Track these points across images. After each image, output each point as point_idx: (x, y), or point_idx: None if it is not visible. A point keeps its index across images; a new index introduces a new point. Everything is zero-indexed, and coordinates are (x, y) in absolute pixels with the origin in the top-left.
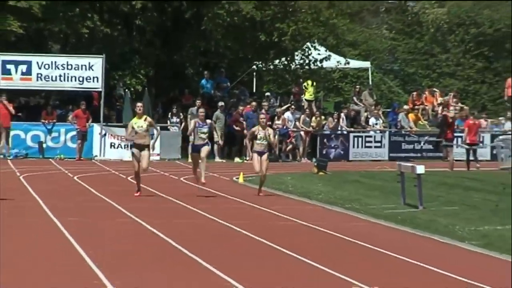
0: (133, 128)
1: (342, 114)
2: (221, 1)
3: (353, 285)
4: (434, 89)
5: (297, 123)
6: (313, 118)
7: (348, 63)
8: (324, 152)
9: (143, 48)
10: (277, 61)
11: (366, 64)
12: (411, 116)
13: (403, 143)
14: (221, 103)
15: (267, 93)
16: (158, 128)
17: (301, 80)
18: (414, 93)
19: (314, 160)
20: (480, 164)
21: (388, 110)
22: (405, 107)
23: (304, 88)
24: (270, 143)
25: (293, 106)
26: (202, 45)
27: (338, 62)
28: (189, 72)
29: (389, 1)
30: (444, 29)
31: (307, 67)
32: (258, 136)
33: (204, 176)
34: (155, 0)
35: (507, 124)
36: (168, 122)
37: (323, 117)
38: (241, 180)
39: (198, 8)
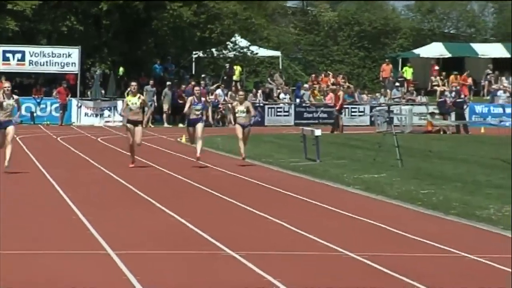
0: (127, 105)
1: (259, 91)
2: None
3: (266, 219)
4: (328, 72)
5: (226, 97)
6: (238, 94)
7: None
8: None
9: (109, 41)
10: (213, 50)
11: (277, 53)
12: (311, 92)
13: (305, 113)
14: (168, 83)
15: (203, 75)
16: (150, 105)
17: (230, 65)
18: (313, 75)
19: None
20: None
21: (294, 88)
22: (306, 85)
23: (234, 70)
24: (250, 113)
25: (222, 85)
26: (154, 39)
27: (255, 52)
28: (144, 59)
29: (294, 5)
30: (335, 27)
31: (234, 54)
32: (237, 110)
33: (199, 152)
34: (117, 1)
35: (382, 98)
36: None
37: (244, 94)
38: (183, 140)
39: (150, 12)
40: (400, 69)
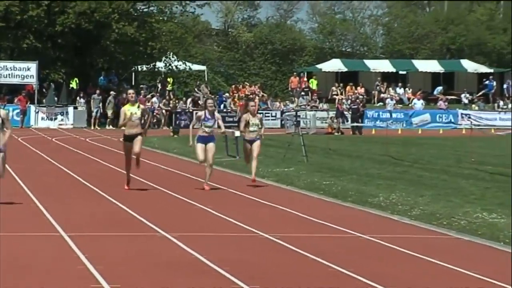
0: (125, 114)
1: (189, 99)
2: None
3: (195, 206)
4: (246, 83)
5: (160, 104)
6: (171, 101)
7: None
8: (177, 122)
9: (62, 56)
10: (150, 65)
11: (203, 67)
12: (232, 99)
13: (226, 117)
14: (112, 92)
15: (141, 85)
16: (150, 113)
17: (164, 77)
18: (233, 86)
19: (171, 127)
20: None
21: (218, 96)
22: (227, 94)
23: (167, 81)
24: (261, 128)
25: (157, 93)
26: (101, 54)
27: (186, 66)
28: (92, 72)
29: (217, 27)
30: (252, 46)
31: (168, 68)
32: (251, 123)
33: (209, 179)
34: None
35: (291, 105)
36: (77, 103)
37: (177, 100)
38: None
39: (99, 31)
40: (306, 81)
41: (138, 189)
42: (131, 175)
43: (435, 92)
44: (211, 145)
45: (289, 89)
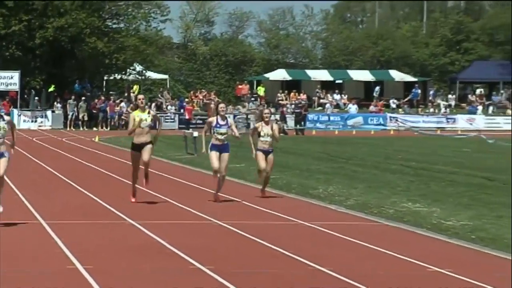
0: (134, 120)
1: (153, 104)
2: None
3: (158, 197)
4: (202, 90)
5: (128, 108)
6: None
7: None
8: None
9: (41, 66)
10: (118, 74)
11: (166, 76)
12: (190, 104)
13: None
14: (84, 98)
15: (111, 92)
16: (161, 119)
17: (131, 84)
18: (192, 92)
19: None
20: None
21: (178, 101)
22: (186, 100)
23: (132, 89)
24: (275, 138)
25: (125, 99)
26: (75, 65)
27: (149, 75)
28: (67, 80)
29: (178, 41)
30: (208, 57)
31: (135, 76)
32: (262, 133)
33: (219, 190)
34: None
35: (243, 109)
36: (55, 107)
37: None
38: (97, 140)
39: (73, 44)
40: (255, 88)
41: (108, 182)
42: (137, 186)
43: (374, 93)
44: (225, 156)
45: (236, 95)
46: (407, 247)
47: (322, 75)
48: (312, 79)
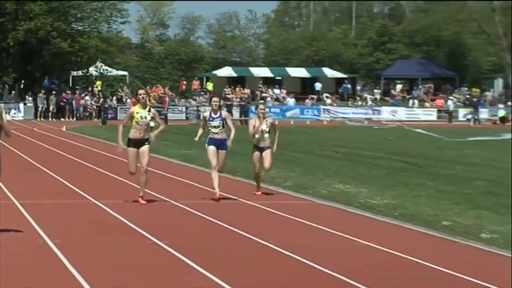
0: (133, 118)
1: (114, 97)
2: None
3: (118, 179)
4: (158, 85)
5: (92, 101)
6: (101, 100)
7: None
8: (105, 115)
9: (13, 64)
10: (83, 71)
11: (125, 73)
12: (148, 98)
13: None
14: (54, 92)
15: (77, 87)
16: (163, 123)
17: (94, 80)
18: (148, 87)
19: (100, 119)
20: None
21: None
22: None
23: (95, 84)
24: (275, 132)
25: (89, 93)
26: (43, 63)
27: (110, 71)
28: (37, 76)
29: (136, 42)
30: (163, 56)
31: (99, 73)
32: (260, 129)
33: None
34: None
35: (194, 102)
36: (26, 100)
37: (103, 99)
38: (64, 129)
39: (41, 45)
40: (204, 83)
41: (74, 167)
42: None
43: (317, 88)
44: (222, 154)
45: (192, 90)
46: (339, 223)
47: (264, 72)
48: (255, 76)
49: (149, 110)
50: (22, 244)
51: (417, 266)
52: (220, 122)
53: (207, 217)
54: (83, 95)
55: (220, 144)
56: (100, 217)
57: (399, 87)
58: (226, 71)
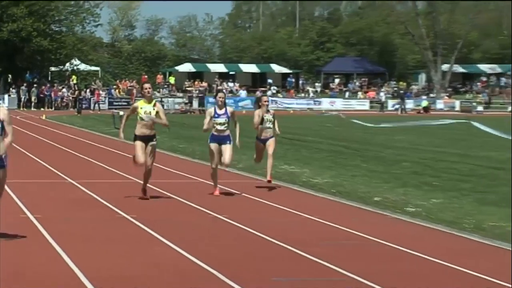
0: (138, 113)
1: (88, 90)
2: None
3: (89, 161)
4: (126, 79)
5: (68, 93)
6: (76, 92)
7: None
8: (80, 105)
9: None
10: (61, 66)
11: (98, 68)
12: (117, 90)
13: (113, 102)
14: (35, 85)
15: (55, 81)
16: (166, 120)
17: (70, 74)
18: (118, 81)
19: (76, 109)
20: None
21: (108, 88)
22: (114, 86)
23: (71, 77)
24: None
25: (66, 86)
26: (25, 59)
27: (84, 67)
28: (20, 71)
29: (108, 41)
30: (131, 54)
31: (74, 68)
32: (265, 119)
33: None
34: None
35: (158, 94)
36: (10, 92)
37: (78, 91)
38: (44, 118)
39: (23, 44)
40: (167, 77)
41: (52, 151)
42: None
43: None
44: (227, 147)
45: (157, 83)
46: (285, 199)
47: (219, 67)
48: (211, 71)
49: (155, 105)
50: (7, 218)
51: (353, 236)
52: (226, 119)
53: (169, 194)
54: (60, 87)
55: (222, 140)
56: (76, 194)
57: (336, 81)
58: (186, 67)
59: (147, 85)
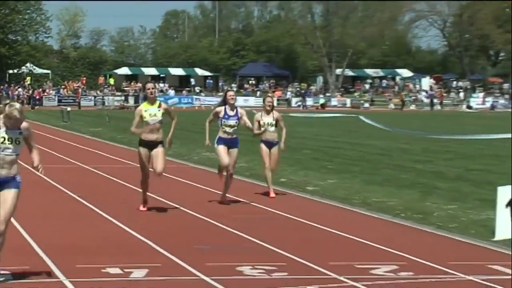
0: (142, 117)
1: (40, 89)
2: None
3: (51, 154)
4: (73, 80)
5: (23, 92)
6: (30, 91)
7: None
8: (34, 102)
9: None
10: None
11: (49, 71)
12: (66, 90)
13: (63, 100)
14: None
15: (12, 81)
16: (175, 116)
17: (24, 76)
18: (65, 81)
19: (30, 105)
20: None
21: (58, 87)
22: (63, 86)
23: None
24: (281, 128)
25: (23, 86)
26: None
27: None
28: None
29: (57, 48)
30: (77, 59)
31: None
32: (261, 123)
33: (227, 191)
34: None
35: (100, 93)
36: None
37: (32, 90)
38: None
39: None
40: (108, 79)
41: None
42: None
43: (192, 83)
44: (234, 152)
45: (99, 84)
46: (206, 181)
47: (152, 71)
48: (145, 74)
49: (159, 106)
50: None
51: (263, 211)
52: (236, 122)
53: (111, 177)
54: (16, 87)
55: (230, 144)
56: (34, 178)
57: (250, 82)
58: (124, 70)
59: (149, 85)
